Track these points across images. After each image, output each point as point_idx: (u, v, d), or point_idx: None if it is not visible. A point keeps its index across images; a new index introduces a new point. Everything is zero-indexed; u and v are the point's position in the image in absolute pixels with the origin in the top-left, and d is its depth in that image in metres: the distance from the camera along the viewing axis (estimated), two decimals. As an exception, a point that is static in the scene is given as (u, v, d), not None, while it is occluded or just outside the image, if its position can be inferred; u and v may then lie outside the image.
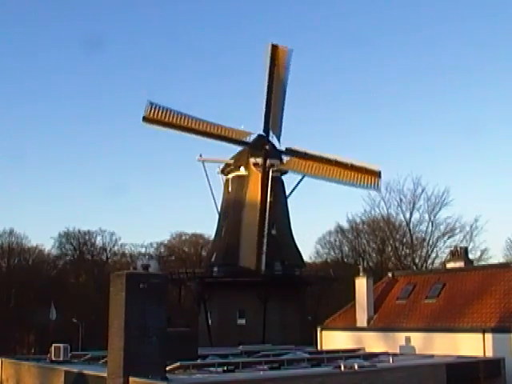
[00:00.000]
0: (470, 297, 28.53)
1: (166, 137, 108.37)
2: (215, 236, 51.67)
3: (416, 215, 61.87)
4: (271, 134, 48.33)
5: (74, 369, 21.14)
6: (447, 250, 53.33)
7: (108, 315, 17.25)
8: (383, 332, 30.12)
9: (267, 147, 47.76)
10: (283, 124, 48.13)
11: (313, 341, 34.68)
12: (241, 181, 48.65)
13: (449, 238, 61.35)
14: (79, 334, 55.08)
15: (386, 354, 26.06)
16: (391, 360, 23.35)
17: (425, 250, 62.40)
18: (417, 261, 61.81)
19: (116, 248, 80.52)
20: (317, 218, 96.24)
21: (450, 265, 33.12)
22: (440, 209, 60.66)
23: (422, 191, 61.06)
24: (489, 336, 25.51)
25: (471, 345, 25.70)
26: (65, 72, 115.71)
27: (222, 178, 50.69)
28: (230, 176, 49.78)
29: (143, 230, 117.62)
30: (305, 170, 47.82)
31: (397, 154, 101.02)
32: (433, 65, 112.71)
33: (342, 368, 19.93)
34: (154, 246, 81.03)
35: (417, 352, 27.30)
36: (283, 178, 50.44)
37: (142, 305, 16.55)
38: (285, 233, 48.87)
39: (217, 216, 50.64)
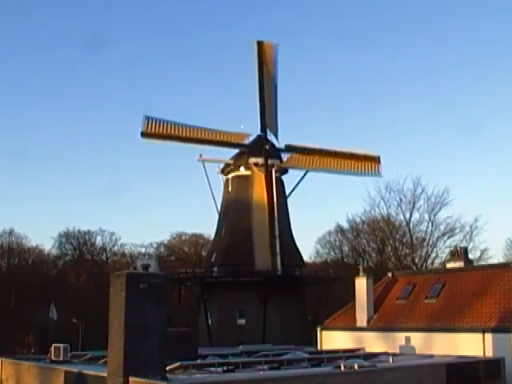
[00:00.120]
0: (469, 297, 28.52)
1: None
2: (215, 236, 51.68)
3: (416, 215, 61.89)
4: (269, 132, 48.63)
5: (74, 369, 21.08)
6: (447, 250, 53.38)
7: (108, 315, 17.23)
8: (383, 332, 30.10)
9: (267, 147, 47.83)
10: (281, 123, 48.74)
11: (313, 341, 34.67)
12: (241, 180, 48.69)
13: (449, 237, 61.35)
14: (79, 334, 55.04)
15: (386, 353, 26.00)
16: (391, 360, 23.31)
17: (425, 250, 62.37)
18: (417, 261, 61.74)
19: (116, 248, 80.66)
20: (317, 218, 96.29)
21: (449, 265, 33.08)
22: (440, 209, 60.64)
23: (422, 191, 61.03)
24: (489, 336, 25.50)
25: (471, 345, 25.69)
26: (65, 72, 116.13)
27: (221, 178, 50.79)
28: (230, 176, 49.80)
29: (143, 230, 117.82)
30: (306, 165, 48.00)
31: (397, 154, 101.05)
32: (433, 65, 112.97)
33: (342, 368, 19.91)
34: (154, 245, 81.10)
35: (417, 352, 27.26)
36: (283, 177, 50.55)
37: (142, 305, 16.53)
38: (285, 233, 48.80)
39: (217, 216, 50.70)
